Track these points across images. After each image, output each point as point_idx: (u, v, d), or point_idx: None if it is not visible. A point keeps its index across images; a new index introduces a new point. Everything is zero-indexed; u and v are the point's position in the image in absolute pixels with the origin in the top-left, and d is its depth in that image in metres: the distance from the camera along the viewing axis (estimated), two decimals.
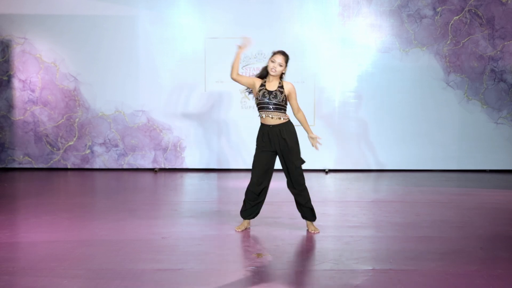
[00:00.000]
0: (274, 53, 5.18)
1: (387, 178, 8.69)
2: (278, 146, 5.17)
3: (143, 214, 6.03)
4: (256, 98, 5.21)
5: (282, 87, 5.15)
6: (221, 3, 9.16)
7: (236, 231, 5.30)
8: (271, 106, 5.12)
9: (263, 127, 5.22)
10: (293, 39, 9.12)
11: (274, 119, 5.14)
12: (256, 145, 5.29)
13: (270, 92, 5.13)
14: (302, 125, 5.29)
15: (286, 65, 5.18)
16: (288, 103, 5.20)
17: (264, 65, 5.36)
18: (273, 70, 5.12)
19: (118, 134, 9.33)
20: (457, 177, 8.83)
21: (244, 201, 5.35)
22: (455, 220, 5.77)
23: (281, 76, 5.22)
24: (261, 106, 5.17)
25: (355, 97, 9.27)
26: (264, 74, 5.24)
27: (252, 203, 5.30)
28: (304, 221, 5.41)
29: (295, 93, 5.21)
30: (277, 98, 5.11)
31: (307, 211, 5.31)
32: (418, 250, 4.65)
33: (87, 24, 9.18)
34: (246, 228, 5.36)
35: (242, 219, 5.45)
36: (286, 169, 5.24)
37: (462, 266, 4.25)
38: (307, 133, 5.32)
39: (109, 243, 4.87)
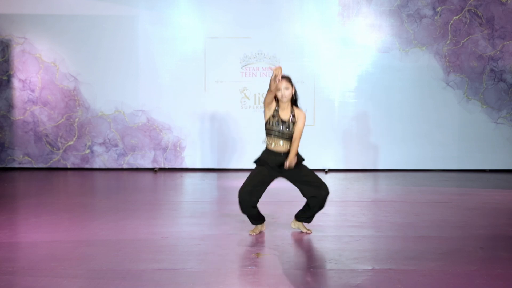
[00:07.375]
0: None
1: (387, 178, 8.69)
2: (286, 171, 5.00)
3: (143, 214, 6.03)
4: (268, 123, 5.00)
5: (294, 116, 4.98)
6: (221, 3, 9.16)
7: (250, 235, 5.15)
8: (284, 137, 4.97)
9: (270, 153, 5.01)
10: (293, 39, 9.13)
11: (283, 147, 4.99)
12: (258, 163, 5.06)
13: (283, 122, 4.96)
14: (291, 149, 4.95)
15: (292, 86, 4.96)
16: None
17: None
18: (284, 97, 4.92)
19: (118, 134, 9.33)
20: (457, 177, 8.83)
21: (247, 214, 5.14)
22: (455, 220, 5.77)
23: (295, 102, 5.04)
24: (272, 134, 4.99)
25: (355, 97, 9.27)
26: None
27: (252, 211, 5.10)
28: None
29: (303, 123, 5.00)
30: (289, 129, 4.95)
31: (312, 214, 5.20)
32: (418, 250, 4.65)
33: (87, 24, 9.19)
34: (260, 232, 5.20)
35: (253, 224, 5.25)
36: (306, 183, 5.05)
37: (462, 266, 4.25)
38: (291, 150, 4.99)
39: (109, 243, 4.87)
